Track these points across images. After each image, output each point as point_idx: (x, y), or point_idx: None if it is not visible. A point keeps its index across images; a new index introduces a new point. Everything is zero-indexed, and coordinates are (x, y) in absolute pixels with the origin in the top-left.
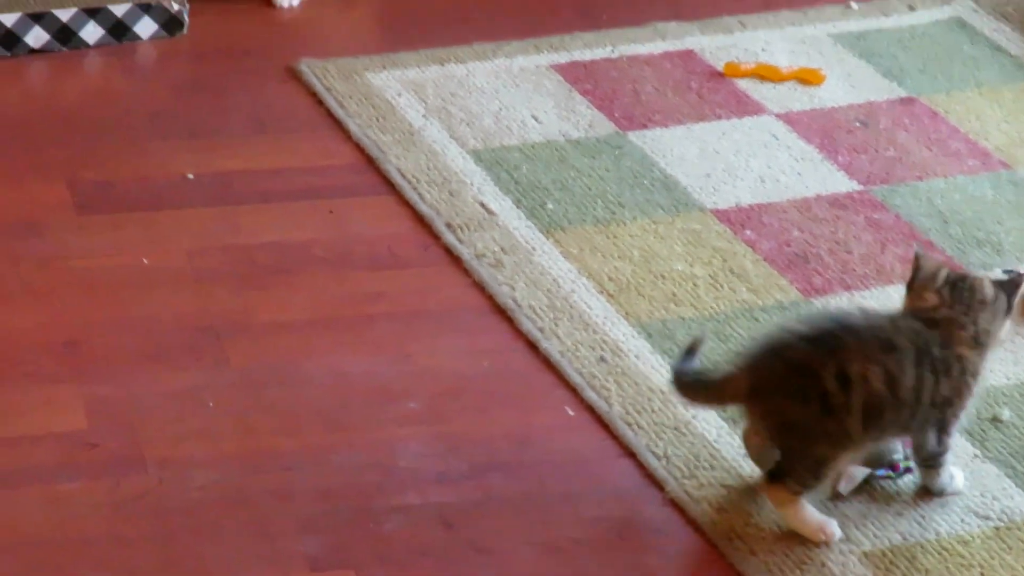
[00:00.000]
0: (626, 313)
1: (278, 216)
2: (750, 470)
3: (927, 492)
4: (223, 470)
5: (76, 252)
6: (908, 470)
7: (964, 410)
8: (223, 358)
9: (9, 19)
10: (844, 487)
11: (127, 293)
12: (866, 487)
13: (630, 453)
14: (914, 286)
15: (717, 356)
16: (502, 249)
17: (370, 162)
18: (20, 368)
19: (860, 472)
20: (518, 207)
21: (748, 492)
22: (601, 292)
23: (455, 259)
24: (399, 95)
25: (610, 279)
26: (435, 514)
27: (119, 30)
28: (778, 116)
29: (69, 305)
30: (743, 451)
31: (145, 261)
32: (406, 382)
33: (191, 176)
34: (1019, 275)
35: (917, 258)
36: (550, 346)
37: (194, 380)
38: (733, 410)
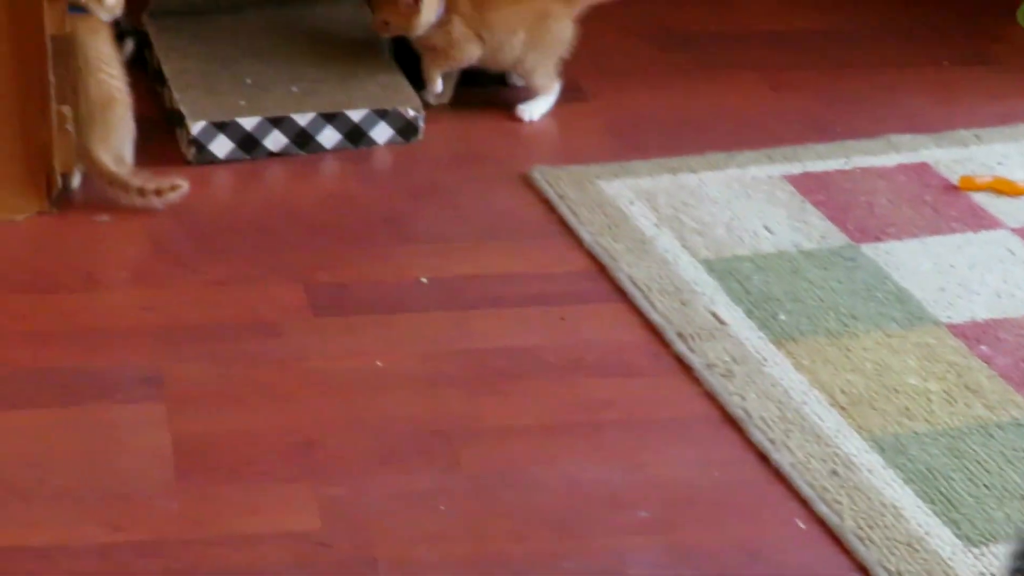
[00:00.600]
0: (858, 426)
1: (510, 321)
2: None
3: None
4: (454, 574)
5: (312, 354)
6: None
7: None
8: (454, 462)
9: (249, 123)
10: None
11: (361, 395)
12: None
13: (862, 568)
14: None
15: (951, 473)
16: (733, 359)
17: (602, 269)
18: (256, 467)
19: None
20: (749, 317)
21: None
22: (833, 404)
23: (686, 368)
24: (631, 203)
25: (842, 391)
26: None
27: (356, 135)
28: (1014, 231)
29: (305, 406)
30: (977, 568)
31: (379, 363)
32: (636, 490)
33: (425, 280)
34: None
35: None
36: (781, 458)
37: (426, 483)
38: (968, 527)
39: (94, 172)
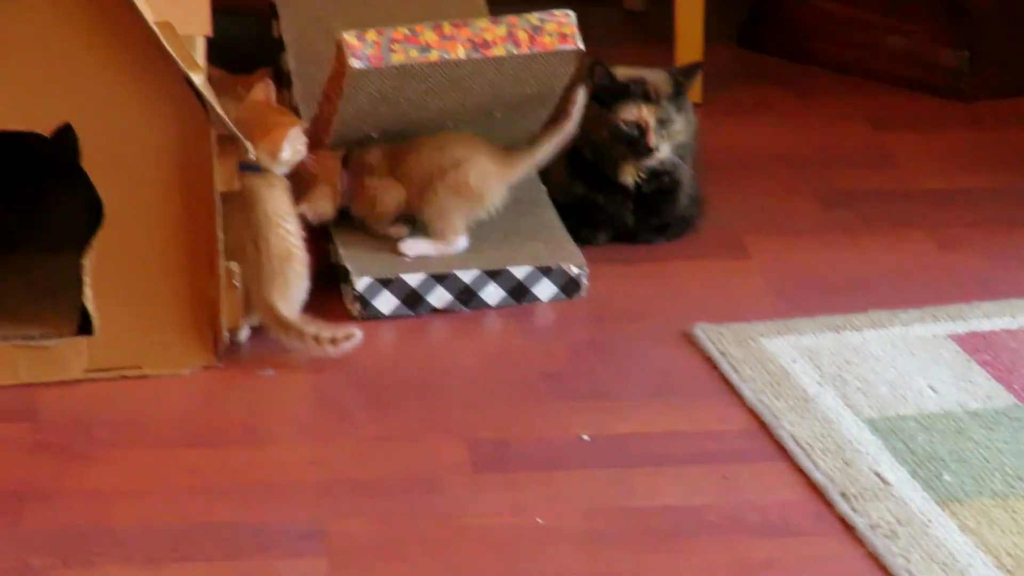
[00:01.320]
0: None
1: (672, 480)
2: None
3: None
4: None
5: (472, 510)
6: None
7: None
8: None
9: (414, 279)
10: None
11: (522, 552)
12: None
13: None
14: None
15: None
16: (897, 520)
17: (764, 427)
18: None
19: None
20: (914, 477)
21: None
22: (999, 567)
23: (848, 529)
24: (794, 361)
25: (1008, 554)
26: None
27: (519, 292)
28: None
29: (465, 562)
30: None
31: (540, 521)
32: None
33: (586, 437)
34: None
35: None
36: None
37: None
38: None
39: (272, 321)
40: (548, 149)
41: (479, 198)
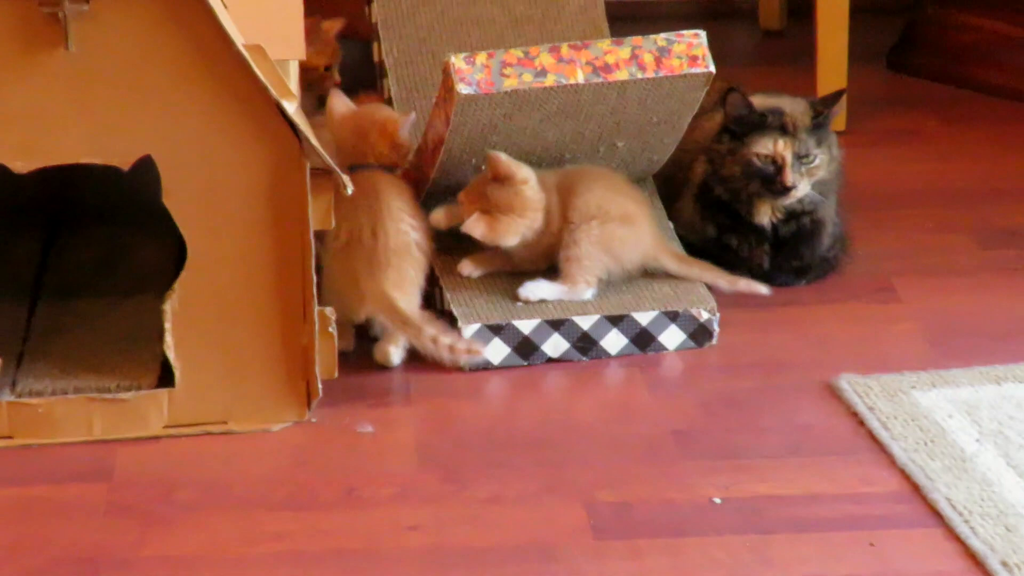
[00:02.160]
0: None
1: (813, 547)
2: None
3: None
4: None
5: None
6: None
7: None
8: None
9: (527, 326)
10: None
11: None
12: None
13: None
14: None
15: None
16: None
17: (916, 490)
18: None
19: None
20: None
21: None
22: None
23: None
24: (950, 416)
25: None
26: None
27: (643, 339)
28: None
29: None
30: None
31: None
32: None
33: (718, 500)
34: None
35: None
36: None
37: None
38: None
39: (388, 313)
40: (700, 275)
41: (627, 261)
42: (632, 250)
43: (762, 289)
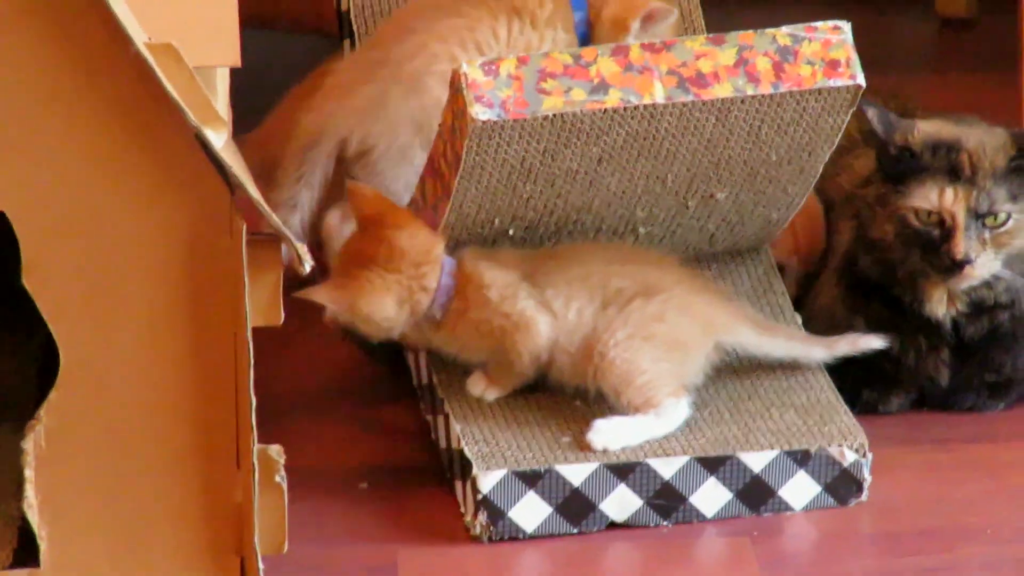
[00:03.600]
0: None
1: None
2: None
3: None
4: None
5: None
6: None
7: None
8: None
9: (577, 474)
10: None
11: None
12: None
13: None
14: None
15: None
16: None
17: None
18: None
19: None
20: None
21: None
22: None
23: None
24: None
25: None
26: None
27: (756, 493)
28: None
29: None
30: None
31: None
32: None
33: None
34: None
35: None
36: None
37: None
38: None
39: None
40: (787, 347)
41: (691, 345)
42: (687, 326)
43: (875, 343)
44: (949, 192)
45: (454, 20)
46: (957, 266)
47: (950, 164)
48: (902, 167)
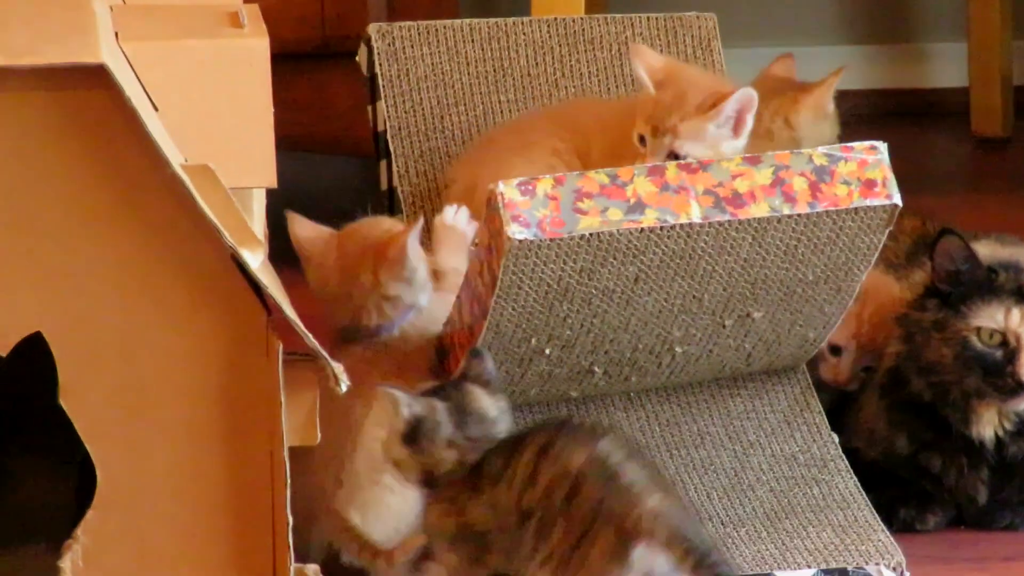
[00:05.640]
0: None
1: None
2: None
3: None
4: None
5: None
6: None
7: None
8: None
9: None
10: None
11: None
12: None
13: None
14: None
15: None
16: None
17: None
18: None
19: None
20: None
21: None
22: None
23: None
24: None
25: None
26: None
27: None
28: None
29: None
30: None
31: None
32: None
33: None
34: None
35: None
36: None
37: None
38: None
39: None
40: None
41: None
42: None
43: None
44: (1016, 312)
45: None
46: (1022, 388)
47: (1018, 285)
48: (969, 289)
